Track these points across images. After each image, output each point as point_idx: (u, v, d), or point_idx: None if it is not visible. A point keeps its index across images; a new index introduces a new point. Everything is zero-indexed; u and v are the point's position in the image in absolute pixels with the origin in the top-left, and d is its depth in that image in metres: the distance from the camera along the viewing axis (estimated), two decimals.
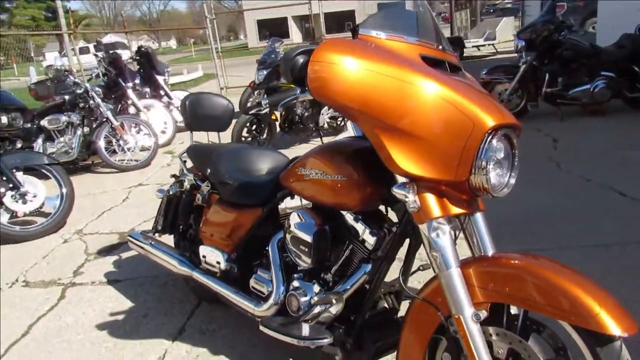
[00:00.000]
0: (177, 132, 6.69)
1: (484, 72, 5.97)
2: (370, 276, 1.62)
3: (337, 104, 1.38)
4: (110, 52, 6.60)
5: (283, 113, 5.33)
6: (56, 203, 3.79)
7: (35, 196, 3.71)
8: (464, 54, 13.25)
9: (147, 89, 7.12)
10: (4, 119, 3.72)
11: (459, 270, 1.35)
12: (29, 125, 5.29)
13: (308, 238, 1.69)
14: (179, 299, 2.58)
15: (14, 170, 3.66)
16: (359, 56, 1.32)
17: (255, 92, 6.21)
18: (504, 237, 2.76)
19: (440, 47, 1.50)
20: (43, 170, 3.83)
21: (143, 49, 7.19)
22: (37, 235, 3.63)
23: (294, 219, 1.76)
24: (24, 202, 3.66)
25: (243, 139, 5.24)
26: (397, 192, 1.35)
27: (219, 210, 2.17)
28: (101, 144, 5.38)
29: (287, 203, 1.97)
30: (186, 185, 2.42)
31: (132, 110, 6.42)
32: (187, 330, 2.31)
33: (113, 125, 5.39)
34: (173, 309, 2.50)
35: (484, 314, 1.32)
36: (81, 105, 5.38)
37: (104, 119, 5.38)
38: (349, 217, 1.68)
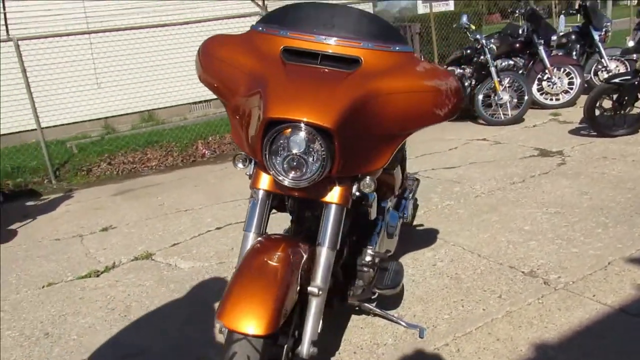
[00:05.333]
0: (582, 94, 6.18)
1: None
2: None
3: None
4: (528, 7, 6.61)
5: None
6: None
7: None
8: None
9: (577, 45, 6.76)
10: None
11: (252, 235, 1.60)
12: None
13: None
14: None
15: None
16: (213, 48, 1.66)
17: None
18: None
19: (324, 38, 1.54)
20: None
21: (583, 3, 6.70)
22: None
23: None
24: None
25: (597, 112, 4.52)
26: (236, 161, 1.68)
27: None
28: (479, 97, 5.87)
29: None
30: None
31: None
32: None
33: (493, 81, 5.74)
34: None
35: None
36: (474, 59, 5.97)
37: (489, 74, 5.80)
38: None
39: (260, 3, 6.23)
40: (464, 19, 5.96)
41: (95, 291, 2.77)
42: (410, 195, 2.86)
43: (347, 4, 7.95)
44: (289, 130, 1.42)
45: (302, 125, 1.39)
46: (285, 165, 1.47)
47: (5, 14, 5.07)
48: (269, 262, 1.41)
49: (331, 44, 1.55)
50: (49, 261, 3.31)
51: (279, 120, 1.41)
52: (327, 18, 1.60)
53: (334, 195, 1.57)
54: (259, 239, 1.56)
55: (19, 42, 5.25)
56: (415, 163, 4.58)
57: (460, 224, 3.06)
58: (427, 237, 2.90)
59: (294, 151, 1.44)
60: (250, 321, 1.26)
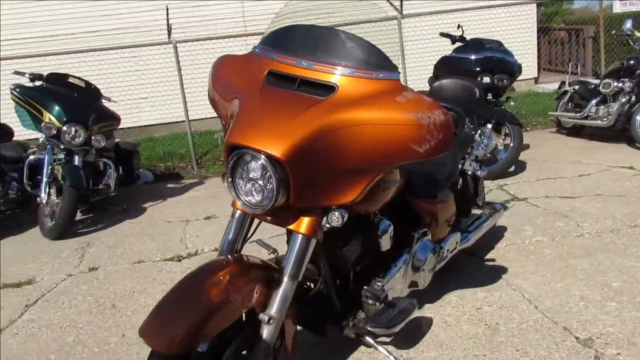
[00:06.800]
0: None
1: None
2: None
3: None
4: None
5: None
6: (504, 154, 4.47)
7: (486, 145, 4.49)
8: None
9: None
10: (487, 79, 4.49)
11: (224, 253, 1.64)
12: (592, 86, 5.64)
13: None
14: None
15: (483, 122, 4.54)
16: (220, 68, 1.70)
17: None
18: None
19: (304, 62, 1.51)
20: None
21: None
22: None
23: None
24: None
25: None
26: (224, 178, 1.73)
27: None
28: (638, 117, 4.96)
29: None
30: None
31: None
32: None
33: None
34: None
35: None
36: (637, 72, 5.06)
37: None
38: None
39: (397, 5, 6.14)
40: (628, 24, 5.08)
41: (168, 274, 3.10)
42: (475, 226, 2.61)
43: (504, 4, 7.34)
44: (247, 156, 1.43)
45: (256, 153, 1.39)
46: (246, 190, 1.49)
47: (168, 19, 5.85)
48: (204, 282, 1.43)
49: (309, 69, 1.50)
50: (152, 240, 3.78)
51: (238, 145, 1.43)
52: (313, 41, 1.55)
53: (300, 224, 1.53)
54: (216, 258, 1.60)
55: (177, 45, 6.02)
56: (531, 187, 4.10)
57: (537, 266, 2.67)
58: (490, 275, 2.60)
59: (250, 177, 1.45)
60: (159, 338, 1.31)
